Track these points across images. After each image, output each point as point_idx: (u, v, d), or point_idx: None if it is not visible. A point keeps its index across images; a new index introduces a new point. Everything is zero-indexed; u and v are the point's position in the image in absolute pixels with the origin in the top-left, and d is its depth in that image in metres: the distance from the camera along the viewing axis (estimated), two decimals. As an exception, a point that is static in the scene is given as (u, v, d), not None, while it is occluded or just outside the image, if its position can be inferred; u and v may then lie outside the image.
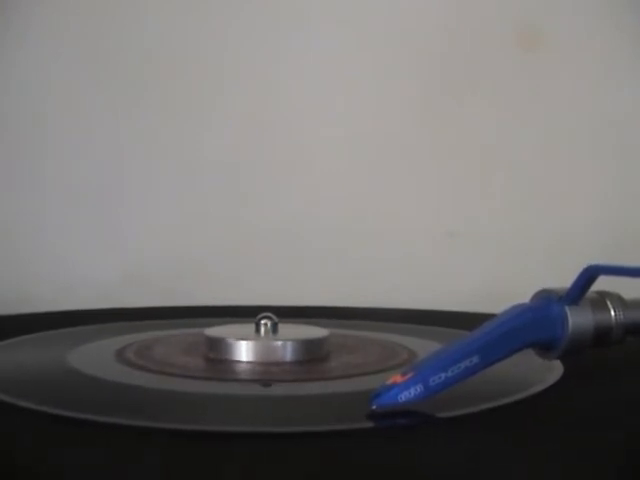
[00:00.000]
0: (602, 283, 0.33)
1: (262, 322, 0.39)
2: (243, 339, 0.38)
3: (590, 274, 0.32)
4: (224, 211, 0.65)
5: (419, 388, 0.29)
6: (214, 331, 0.40)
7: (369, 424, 0.29)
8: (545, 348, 0.34)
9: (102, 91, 0.64)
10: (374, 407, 0.29)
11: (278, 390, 0.35)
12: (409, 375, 0.29)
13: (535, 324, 0.32)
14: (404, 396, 0.29)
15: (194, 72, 0.64)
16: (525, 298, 0.34)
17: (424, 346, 0.41)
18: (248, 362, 0.38)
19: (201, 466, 0.24)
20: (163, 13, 0.64)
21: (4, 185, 0.63)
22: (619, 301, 0.34)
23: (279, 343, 0.38)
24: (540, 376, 0.34)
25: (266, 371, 0.37)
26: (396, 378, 0.29)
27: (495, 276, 0.63)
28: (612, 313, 0.34)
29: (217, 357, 0.38)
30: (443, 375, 0.29)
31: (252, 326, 0.39)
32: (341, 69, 0.65)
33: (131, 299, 0.59)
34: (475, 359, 0.30)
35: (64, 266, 0.63)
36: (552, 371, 0.35)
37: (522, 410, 0.31)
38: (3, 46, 0.62)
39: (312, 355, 0.38)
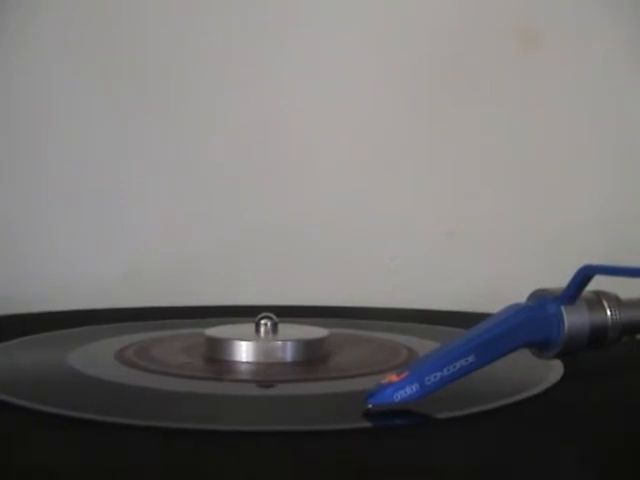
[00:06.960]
0: (602, 283, 0.33)
1: (262, 322, 0.39)
2: (243, 339, 0.38)
3: (585, 274, 0.32)
4: (224, 211, 0.65)
5: (415, 387, 0.29)
6: (214, 331, 0.40)
7: (368, 424, 0.29)
8: (541, 348, 0.34)
9: (103, 91, 0.64)
10: (370, 406, 0.29)
11: (278, 390, 0.35)
12: (405, 374, 0.29)
13: (531, 324, 0.32)
14: (399, 395, 0.29)
15: (195, 72, 0.65)
16: (524, 298, 0.34)
17: (423, 346, 0.41)
18: (248, 362, 0.38)
19: (201, 466, 0.25)
20: (164, 14, 0.64)
21: (5, 184, 0.63)
22: (615, 301, 0.34)
23: (279, 343, 0.38)
24: (540, 376, 0.34)
25: (266, 371, 0.37)
26: (392, 377, 0.29)
27: (494, 276, 0.63)
28: (608, 313, 0.34)
29: (217, 357, 0.38)
30: (439, 374, 0.30)
31: (252, 326, 0.40)
32: (342, 70, 0.65)
33: (131, 299, 0.59)
34: (471, 358, 0.30)
35: (64, 266, 0.63)
36: (552, 371, 0.35)
37: (522, 410, 0.31)
38: (4, 46, 0.62)
39: (312, 355, 0.39)
